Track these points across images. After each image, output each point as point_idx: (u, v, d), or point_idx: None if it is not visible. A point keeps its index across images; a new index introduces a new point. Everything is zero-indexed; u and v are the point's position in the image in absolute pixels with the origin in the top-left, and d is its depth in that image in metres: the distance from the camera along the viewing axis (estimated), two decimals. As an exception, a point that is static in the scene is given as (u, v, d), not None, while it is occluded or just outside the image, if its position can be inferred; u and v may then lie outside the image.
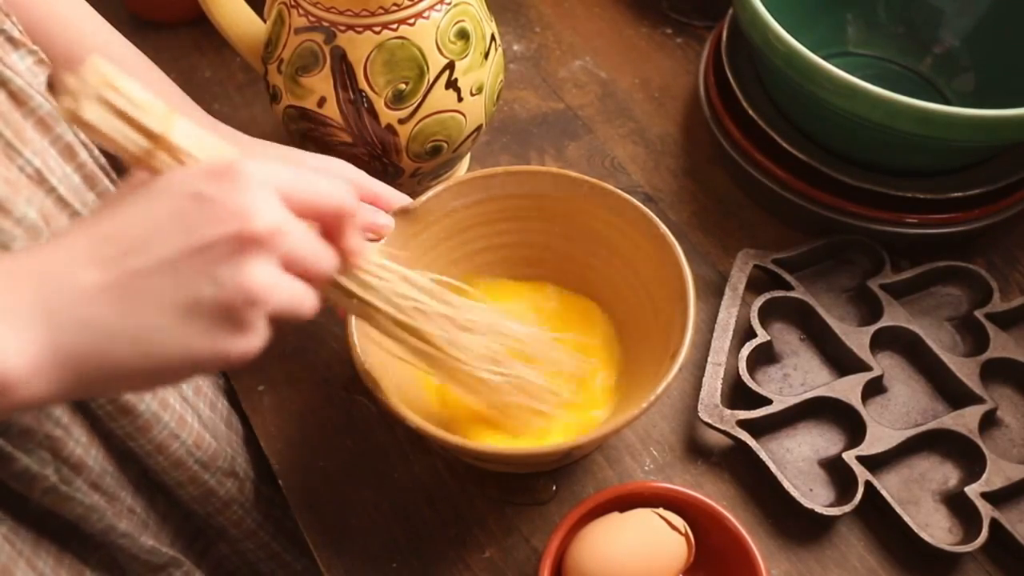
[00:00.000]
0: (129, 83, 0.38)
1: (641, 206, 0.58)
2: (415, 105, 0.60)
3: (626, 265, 0.60)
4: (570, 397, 0.57)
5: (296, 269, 0.39)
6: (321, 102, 0.60)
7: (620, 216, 0.59)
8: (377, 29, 0.58)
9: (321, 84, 0.60)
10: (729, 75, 0.72)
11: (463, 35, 0.60)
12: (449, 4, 0.59)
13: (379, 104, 0.60)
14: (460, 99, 0.61)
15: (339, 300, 0.46)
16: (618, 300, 0.61)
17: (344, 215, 0.41)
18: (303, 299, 0.39)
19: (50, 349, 0.36)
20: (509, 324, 0.54)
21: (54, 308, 0.36)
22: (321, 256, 0.40)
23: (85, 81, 0.37)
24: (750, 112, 0.70)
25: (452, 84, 0.61)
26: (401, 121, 0.60)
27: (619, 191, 0.59)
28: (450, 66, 0.60)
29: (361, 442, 0.61)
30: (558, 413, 0.56)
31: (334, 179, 0.41)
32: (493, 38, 0.63)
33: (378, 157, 0.62)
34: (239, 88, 0.80)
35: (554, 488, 0.59)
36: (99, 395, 0.49)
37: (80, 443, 0.51)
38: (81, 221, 0.39)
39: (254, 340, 0.38)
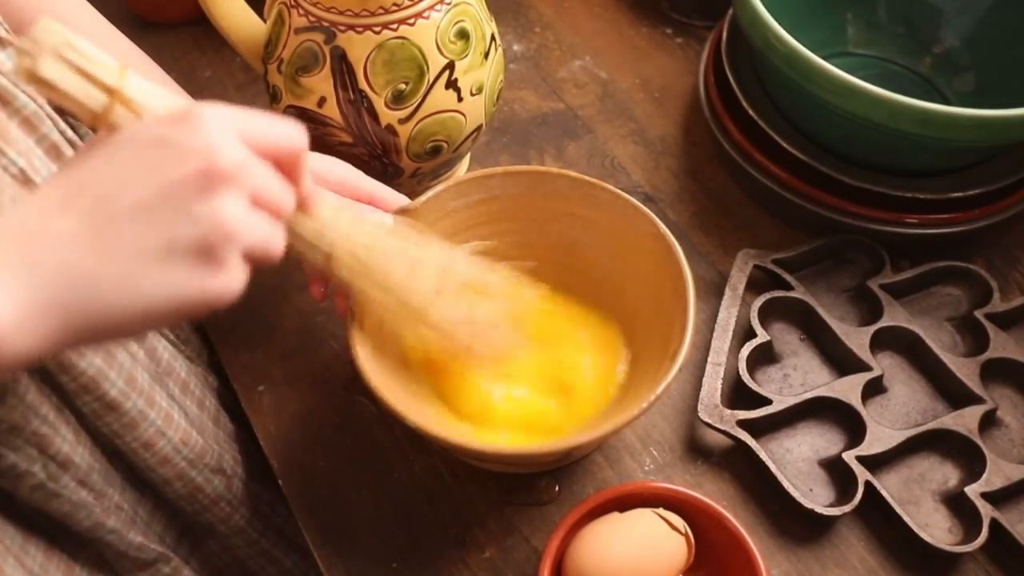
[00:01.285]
0: (82, 41, 0.39)
1: (641, 206, 0.58)
2: (415, 105, 0.60)
3: (626, 265, 0.60)
4: (511, 333, 0.56)
5: (262, 205, 0.40)
6: (321, 102, 0.60)
7: (620, 216, 0.59)
8: (377, 29, 0.58)
9: (321, 84, 0.60)
10: (729, 75, 0.72)
11: (463, 35, 0.60)
12: (449, 4, 0.59)
13: (379, 104, 0.60)
14: (460, 99, 0.61)
15: (298, 244, 0.47)
16: (618, 300, 0.61)
17: (298, 155, 0.42)
18: (273, 237, 0.40)
19: (34, 300, 0.36)
20: (457, 259, 0.54)
21: (34, 259, 0.36)
22: (284, 193, 0.41)
23: (40, 40, 0.38)
24: (750, 112, 0.70)
25: (452, 84, 0.61)
26: (401, 121, 0.60)
27: (619, 191, 0.59)
28: (450, 66, 0.60)
29: (361, 442, 0.61)
30: (504, 349, 0.56)
31: (286, 122, 0.42)
32: (493, 38, 0.63)
33: (378, 157, 0.62)
34: (239, 88, 0.80)
35: (556, 488, 0.59)
36: (88, 345, 0.48)
37: (67, 440, 0.51)
38: (49, 178, 0.39)
39: (232, 278, 0.38)
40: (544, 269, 0.63)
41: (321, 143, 0.63)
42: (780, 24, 0.62)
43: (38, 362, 0.48)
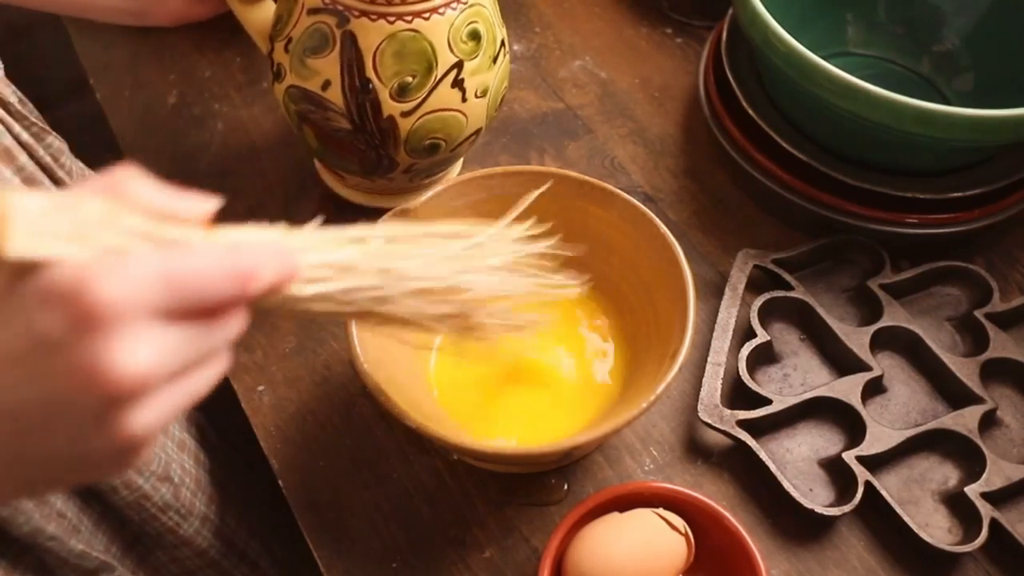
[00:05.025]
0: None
1: (641, 206, 0.58)
2: (419, 100, 0.60)
3: (626, 265, 0.60)
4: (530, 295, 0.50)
5: (188, 374, 0.33)
6: (325, 85, 0.60)
7: (620, 216, 0.59)
8: (391, 19, 0.57)
9: (328, 67, 0.59)
10: (729, 75, 0.72)
11: (475, 36, 0.60)
12: (465, 3, 0.59)
13: (384, 94, 0.59)
14: (464, 99, 0.61)
15: (299, 311, 0.40)
16: (618, 300, 0.61)
17: (249, 288, 0.33)
18: (201, 391, 0.35)
19: None
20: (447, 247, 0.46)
21: None
22: (217, 350, 0.34)
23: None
24: (750, 112, 0.70)
25: (459, 83, 0.60)
26: (403, 114, 0.60)
27: (619, 191, 0.59)
28: (459, 65, 0.60)
29: (361, 442, 0.61)
30: (520, 320, 0.50)
31: (220, 252, 0.33)
32: (503, 43, 0.63)
33: (375, 147, 0.62)
34: (239, 88, 0.80)
35: (566, 487, 0.59)
36: None
37: None
38: None
39: (146, 452, 0.34)
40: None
41: (318, 127, 0.62)
42: (780, 24, 0.62)
43: None
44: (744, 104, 0.70)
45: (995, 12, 0.74)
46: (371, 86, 0.59)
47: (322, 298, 0.39)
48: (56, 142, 0.61)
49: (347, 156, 0.64)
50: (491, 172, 0.60)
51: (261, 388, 0.64)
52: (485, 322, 0.47)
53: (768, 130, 0.69)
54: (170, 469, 0.61)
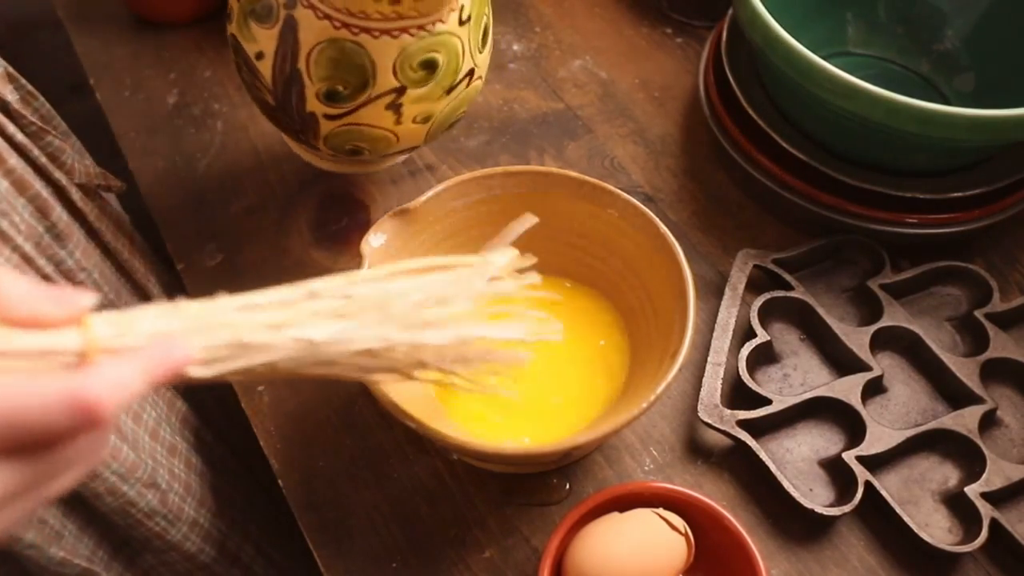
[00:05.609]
0: None
1: (641, 206, 0.58)
2: (346, 110, 0.56)
3: (626, 265, 0.60)
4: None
5: (32, 495, 0.33)
6: (259, 56, 0.57)
7: (620, 216, 0.59)
8: (337, 24, 0.53)
9: (266, 40, 0.56)
10: (729, 75, 0.72)
11: (429, 66, 0.56)
12: (429, 33, 0.54)
13: (310, 92, 0.56)
14: (399, 122, 0.57)
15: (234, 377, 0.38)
16: (618, 300, 0.61)
17: (95, 418, 0.30)
18: (53, 500, 0.35)
19: None
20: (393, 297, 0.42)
21: None
22: (63, 470, 0.33)
23: None
24: (750, 112, 0.70)
25: (395, 107, 0.56)
26: (327, 116, 0.57)
27: (619, 191, 0.59)
28: (399, 91, 0.56)
29: (361, 442, 0.61)
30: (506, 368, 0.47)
31: (59, 388, 0.30)
32: (471, 72, 0.59)
33: (295, 132, 0.59)
34: (239, 88, 0.80)
35: (568, 487, 0.59)
36: None
37: None
38: None
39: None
40: (543, 268, 0.63)
41: (249, 87, 0.60)
42: (780, 24, 0.62)
43: None
44: (744, 104, 0.71)
45: (995, 12, 0.74)
46: (300, 79, 0.55)
47: (234, 373, 0.37)
48: (56, 141, 0.60)
49: (274, 122, 0.61)
50: (491, 172, 0.60)
51: (261, 388, 0.64)
52: (451, 368, 0.44)
53: (768, 130, 0.69)
54: (157, 475, 0.61)
